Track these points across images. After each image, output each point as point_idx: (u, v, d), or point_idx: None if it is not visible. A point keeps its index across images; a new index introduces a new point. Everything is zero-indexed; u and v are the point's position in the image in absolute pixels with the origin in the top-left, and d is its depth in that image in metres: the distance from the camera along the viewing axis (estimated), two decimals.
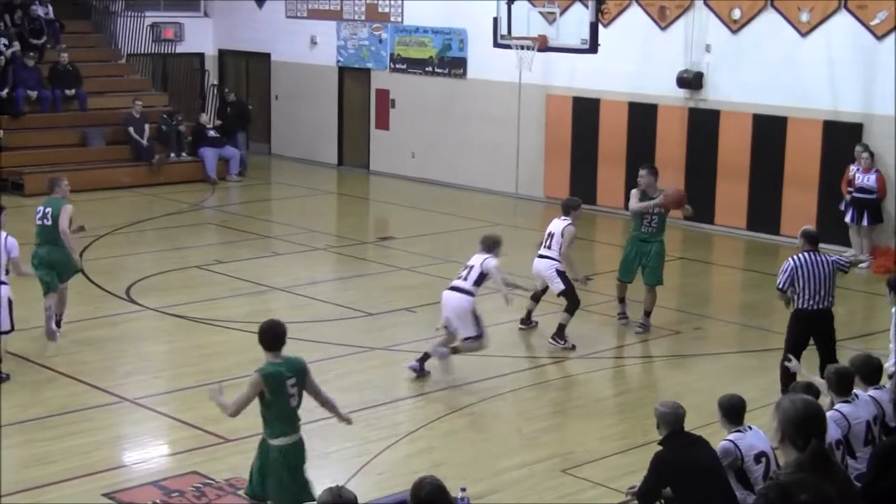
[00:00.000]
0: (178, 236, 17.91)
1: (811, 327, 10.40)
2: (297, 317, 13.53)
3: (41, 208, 12.38)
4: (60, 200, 12.38)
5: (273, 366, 7.35)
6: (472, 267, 11.50)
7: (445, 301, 11.52)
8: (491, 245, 11.68)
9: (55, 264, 12.31)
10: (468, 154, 22.20)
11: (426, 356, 11.45)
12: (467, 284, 11.38)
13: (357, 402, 10.61)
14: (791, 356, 9.58)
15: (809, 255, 10.30)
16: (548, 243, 12.58)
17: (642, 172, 13.11)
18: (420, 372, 11.42)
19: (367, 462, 9.28)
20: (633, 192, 13.06)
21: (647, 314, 13.00)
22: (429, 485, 5.46)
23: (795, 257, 10.33)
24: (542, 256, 12.60)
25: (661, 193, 12.92)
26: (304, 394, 7.56)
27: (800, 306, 10.34)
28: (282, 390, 7.29)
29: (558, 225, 12.59)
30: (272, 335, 7.43)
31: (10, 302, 11.07)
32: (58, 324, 12.38)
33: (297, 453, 7.45)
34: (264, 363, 7.38)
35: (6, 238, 11.09)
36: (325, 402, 7.78)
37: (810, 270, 10.23)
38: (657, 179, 13.12)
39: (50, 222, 12.23)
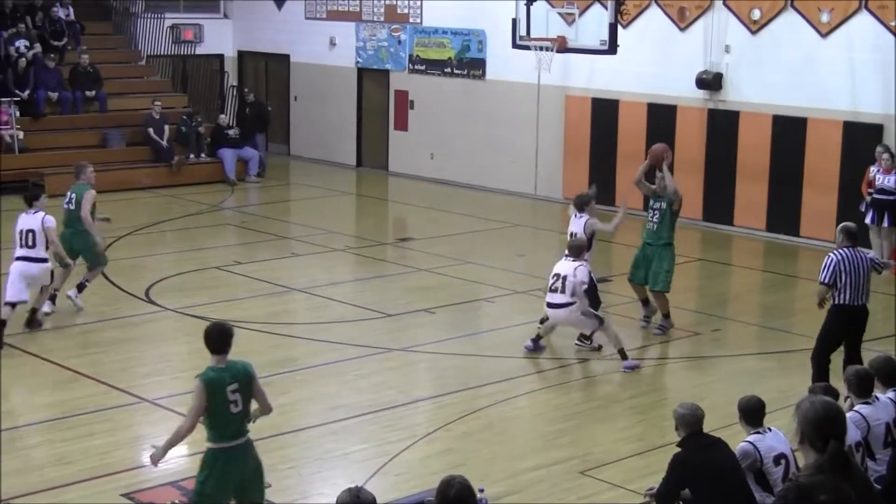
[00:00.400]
0: (198, 237, 17.96)
1: (849, 324, 10.41)
2: (315, 318, 13.58)
3: (68, 193, 13.38)
4: (84, 186, 13.26)
5: (214, 371, 7.15)
6: (564, 277, 11.56)
7: (554, 318, 11.86)
8: (579, 251, 11.76)
9: (76, 248, 13.14)
10: (487, 155, 22.19)
11: (539, 336, 12.07)
12: (566, 297, 11.53)
13: (375, 403, 10.64)
14: None
15: (849, 251, 10.29)
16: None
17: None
18: (536, 348, 12.06)
19: (385, 463, 9.28)
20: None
21: (665, 316, 12.96)
22: (458, 484, 5.44)
23: (837, 252, 10.31)
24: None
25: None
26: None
27: (840, 302, 10.32)
28: (222, 396, 7.09)
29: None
30: (215, 338, 7.23)
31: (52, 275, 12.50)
32: (52, 299, 13.07)
33: (239, 458, 7.24)
34: (205, 368, 7.18)
35: (45, 217, 12.28)
36: (271, 409, 7.45)
37: (851, 266, 10.22)
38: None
39: (73, 207, 13.19)
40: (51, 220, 12.39)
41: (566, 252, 11.90)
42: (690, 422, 7.21)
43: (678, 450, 7.25)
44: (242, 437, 7.24)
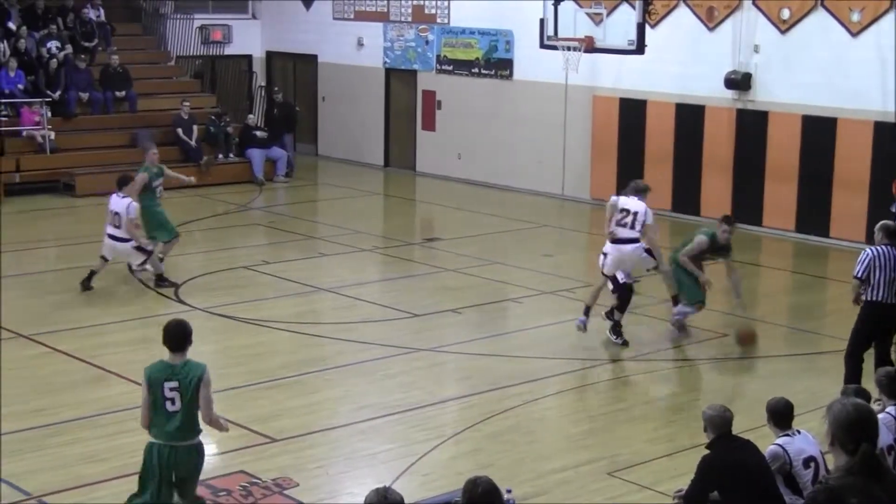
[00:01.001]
0: (226, 237, 18.04)
1: (881, 321, 10.37)
2: (343, 317, 13.61)
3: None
4: (143, 167, 15.07)
5: (159, 365, 7.18)
6: (635, 213, 11.93)
7: (620, 255, 12.04)
8: (643, 189, 12.11)
9: (150, 222, 14.83)
10: (515, 155, 22.18)
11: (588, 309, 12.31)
12: (635, 233, 11.93)
13: (403, 403, 10.65)
14: None
15: (886, 249, 10.24)
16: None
17: (726, 227, 12.58)
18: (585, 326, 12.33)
19: (412, 463, 9.29)
20: (702, 239, 12.58)
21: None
22: (483, 484, 5.45)
23: (873, 248, 10.27)
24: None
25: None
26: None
27: (873, 299, 10.27)
28: (158, 392, 7.09)
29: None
30: (171, 335, 7.24)
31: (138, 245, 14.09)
32: (160, 259, 14.83)
33: (172, 459, 7.15)
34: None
35: (130, 205, 13.91)
36: (209, 420, 7.32)
37: (886, 263, 10.18)
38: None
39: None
40: (133, 210, 13.94)
41: (627, 193, 12.39)
42: (719, 423, 7.18)
43: (707, 451, 7.23)
44: (181, 440, 7.15)
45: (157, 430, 7.17)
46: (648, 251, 12.37)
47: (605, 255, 12.41)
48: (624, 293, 12.36)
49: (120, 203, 13.96)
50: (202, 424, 7.34)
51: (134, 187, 14.41)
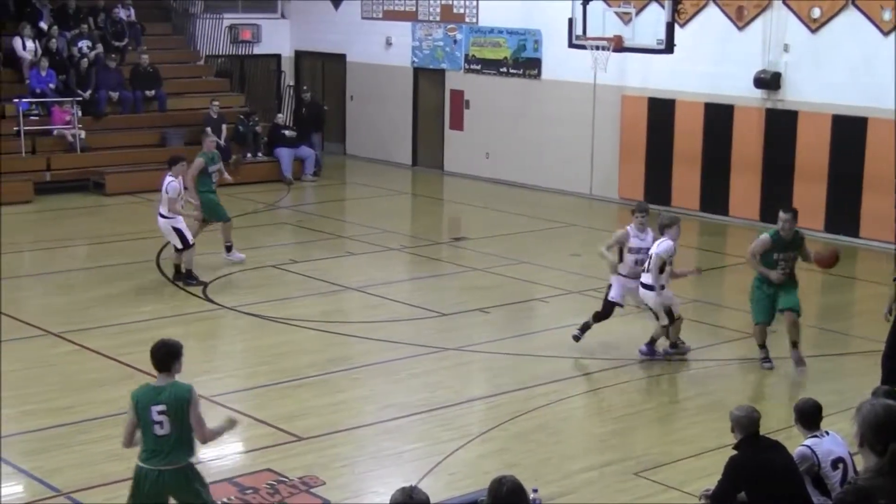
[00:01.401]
0: (254, 236, 18.08)
1: None
2: (370, 316, 13.63)
3: None
4: (200, 153, 15.74)
5: (145, 388, 7.05)
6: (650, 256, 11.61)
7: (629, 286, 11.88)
8: (667, 224, 11.64)
9: (203, 205, 15.44)
10: (542, 155, 22.14)
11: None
12: (648, 277, 11.59)
13: (429, 403, 10.66)
14: None
15: None
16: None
17: (784, 216, 11.59)
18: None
19: (438, 462, 9.29)
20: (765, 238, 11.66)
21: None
22: (509, 482, 5.45)
23: None
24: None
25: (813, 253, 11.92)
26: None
27: None
28: (145, 415, 6.94)
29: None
30: (157, 356, 7.07)
31: (179, 229, 14.49)
32: (228, 249, 15.79)
33: (163, 484, 6.97)
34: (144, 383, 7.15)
35: (169, 183, 14.40)
36: (203, 439, 7.14)
37: None
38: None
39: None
40: (172, 189, 14.39)
41: (642, 223, 11.94)
42: (746, 424, 7.14)
43: (734, 452, 7.19)
44: (170, 464, 6.97)
45: (146, 455, 7.00)
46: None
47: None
48: (608, 308, 12.13)
49: (164, 181, 14.52)
50: (198, 444, 7.16)
51: (191, 171, 15.13)
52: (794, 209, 11.71)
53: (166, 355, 7.07)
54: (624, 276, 11.94)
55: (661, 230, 11.75)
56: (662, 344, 12.08)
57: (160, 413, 6.93)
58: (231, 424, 7.42)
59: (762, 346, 11.81)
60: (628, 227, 12.01)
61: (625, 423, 10.40)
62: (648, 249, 11.77)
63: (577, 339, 12.20)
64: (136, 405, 7.01)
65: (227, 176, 16.62)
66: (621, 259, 12.00)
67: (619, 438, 10.01)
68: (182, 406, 6.97)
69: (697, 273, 12.63)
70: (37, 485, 8.80)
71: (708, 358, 12.34)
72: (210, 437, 7.20)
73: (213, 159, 15.81)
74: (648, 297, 11.68)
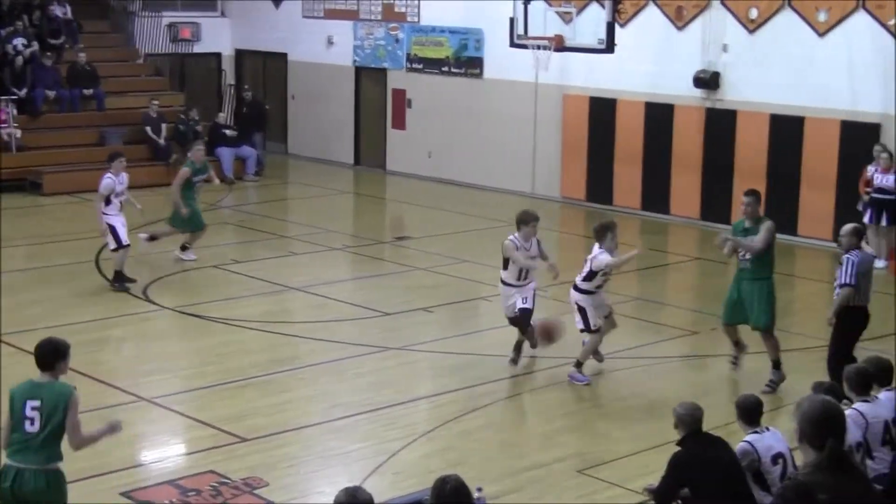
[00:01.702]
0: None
1: (863, 324, 10.48)
2: (314, 316, 13.58)
3: None
4: (188, 162, 15.91)
5: (25, 384, 6.81)
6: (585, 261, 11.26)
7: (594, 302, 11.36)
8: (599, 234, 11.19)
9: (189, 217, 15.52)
10: (485, 154, 22.19)
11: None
12: (578, 280, 11.31)
13: (374, 402, 10.65)
14: None
15: (861, 253, 10.40)
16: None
17: (747, 200, 11.32)
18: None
19: (383, 462, 9.28)
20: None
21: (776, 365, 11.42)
22: (452, 481, 5.46)
23: (854, 253, 10.34)
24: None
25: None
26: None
27: (857, 304, 10.38)
28: (19, 409, 6.69)
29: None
30: (38, 354, 6.84)
31: (116, 227, 14.22)
32: (184, 248, 15.76)
33: (23, 483, 6.68)
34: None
35: (101, 179, 14.31)
36: (77, 446, 6.89)
37: (864, 268, 10.30)
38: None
39: None
40: (104, 185, 14.23)
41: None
42: (689, 421, 7.22)
43: (677, 449, 7.26)
44: (32, 464, 6.70)
45: (10, 450, 6.74)
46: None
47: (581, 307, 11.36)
48: (520, 319, 11.62)
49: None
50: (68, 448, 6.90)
51: (176, 181, 15.46)
52: (755, 190, 11.58)
53: (51, 354, 6.84)
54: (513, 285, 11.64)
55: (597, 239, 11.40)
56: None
57: (33, 409, 6.69)
58: (112, 429, 7.10)
59: (734, 343, 11.61)
60: (512, 237, 11.84)
61: (569, 421, 10.46)
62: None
63: (514, 362, 11.82)
64: (11, 399, 6.77)
65: (215, 180, 16.69)
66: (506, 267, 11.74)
67: (563, 436, 10.07)
68: (58, 406, 6.71)
69: (640, 252, 12.40)
70: None
71: (650, 356, 12.44)
72: (85, 443, 6.94)
73: (202, 169, 15.80)
74: (578, 297, 11.44)
